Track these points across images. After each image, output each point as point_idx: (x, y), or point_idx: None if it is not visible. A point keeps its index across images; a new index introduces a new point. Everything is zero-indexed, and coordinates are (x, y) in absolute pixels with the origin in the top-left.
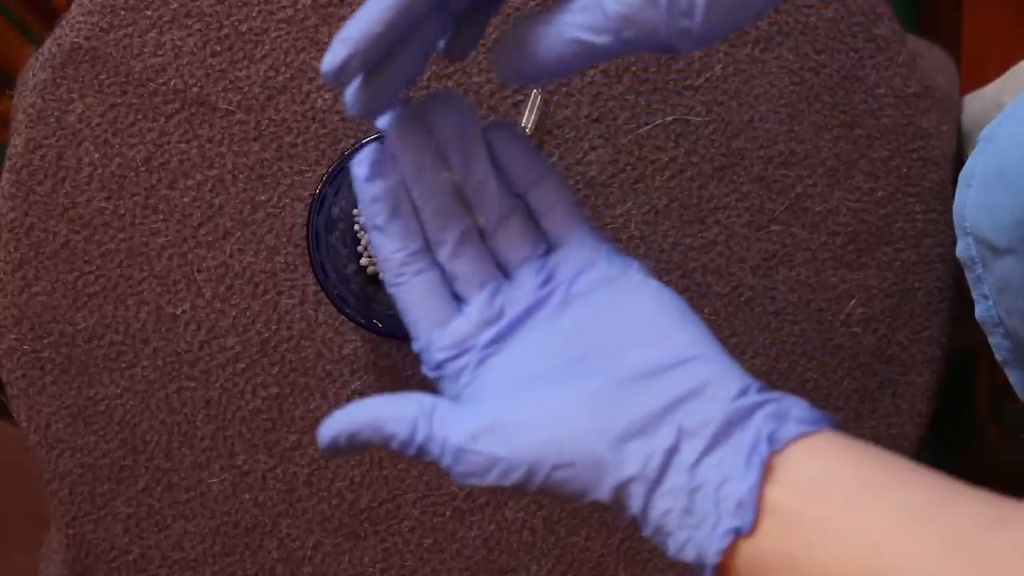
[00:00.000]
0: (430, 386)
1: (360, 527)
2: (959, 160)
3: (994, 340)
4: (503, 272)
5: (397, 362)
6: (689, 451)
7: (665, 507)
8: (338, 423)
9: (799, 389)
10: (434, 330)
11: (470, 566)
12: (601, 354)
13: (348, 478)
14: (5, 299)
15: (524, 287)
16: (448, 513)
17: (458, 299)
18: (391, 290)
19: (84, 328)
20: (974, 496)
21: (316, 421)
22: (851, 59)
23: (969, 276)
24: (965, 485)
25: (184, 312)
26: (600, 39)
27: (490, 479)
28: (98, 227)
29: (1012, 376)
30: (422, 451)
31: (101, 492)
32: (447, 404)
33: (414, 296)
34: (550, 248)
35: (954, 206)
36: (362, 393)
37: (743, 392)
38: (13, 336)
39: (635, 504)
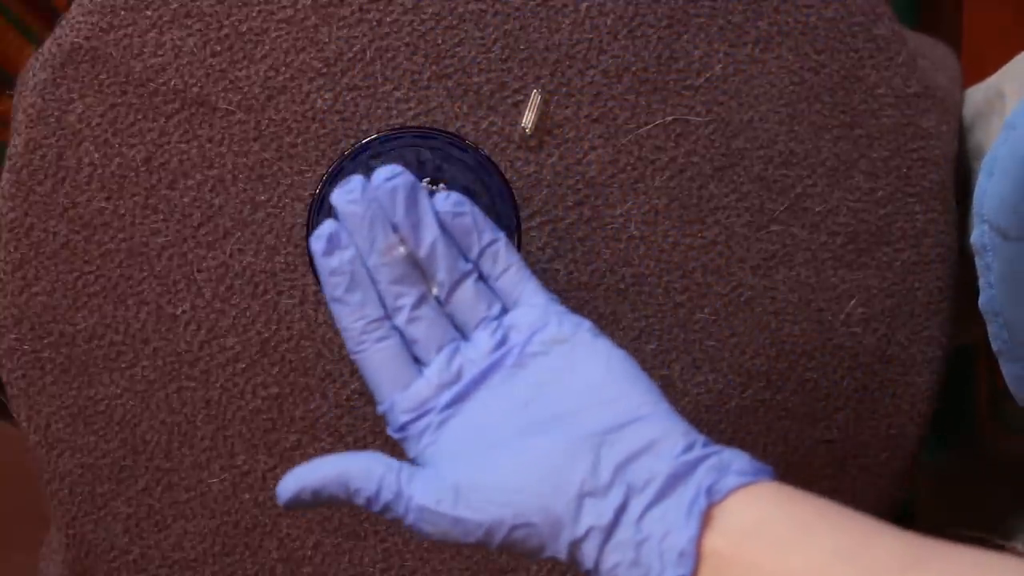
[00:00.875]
0: None
1: (360, 527)
2: (960, 159)
3: (992, 329)
4: (461, 333)
5: None
6: (636, 507)
7: (615, 560)
8: (301, 479)
9: (799, 389)
10: (396, 393)
11: (470, 566)
12: (554, 416)
13: None
14: (5, 299)
15: (480, 348)
16: None
17: (418, 362)
18: (353, 357)
19: (84, 328)
20: (897, 537)
21: (316, 421)
22: (851, 59)
23: (979, 264)
24: (893, 528)
25: (184, 312)
26: None
27: (452, 538)
28: (98, 227)
29: (1005, 368)
30: (387, 508)
31: (101, 492)
32: (410, 466)
33: (375, 362)
34: (504, 308)
35: (974, 194)
36: (362, 393)
37: (688, 448)
38: (13, 336)
39: (588, 559)
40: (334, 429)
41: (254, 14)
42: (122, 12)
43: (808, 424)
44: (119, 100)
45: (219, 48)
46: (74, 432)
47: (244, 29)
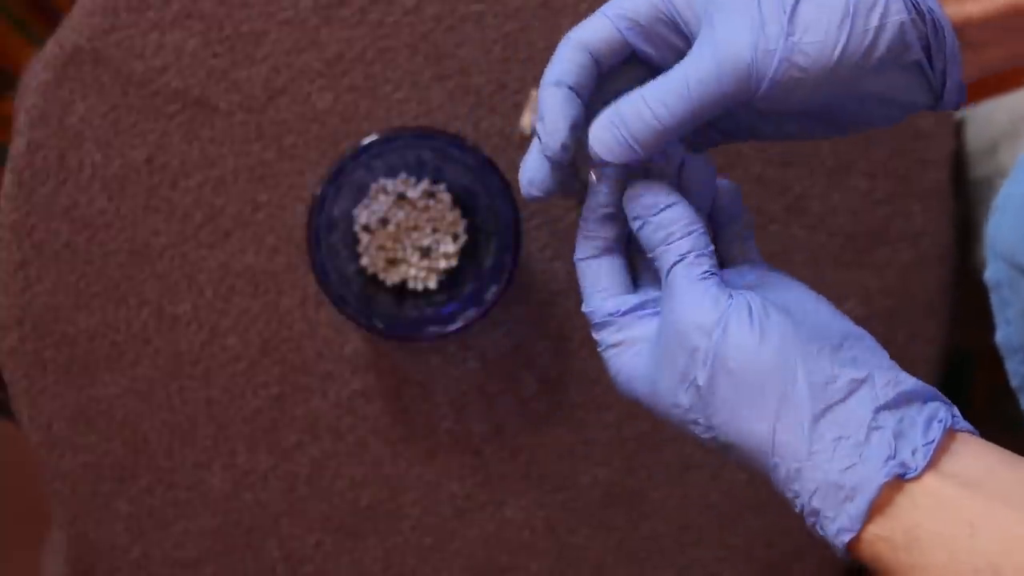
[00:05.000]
0: (428, 383)
1: (360, 527)
2: (958, 160)
3: (1011, 366)
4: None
5: (397, 362)
6: (877, 395)
7: (837, 434)
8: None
9: None
10: None
11: (470, 566)
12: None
13: (348, 478)
14: (7, 299)
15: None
16: (448, 513)
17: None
18: None
19: (86, 328)
20: None
21: (316, 421)
22: None
23: (994, 299)
24: None
25: (185, 312)
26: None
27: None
28: (100, 228)
29: None
30: None
31: (103, 491)
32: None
33: None
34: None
35: (988, 229)
36: (362, 393)
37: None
38: (15, 336)
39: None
40: (334, 429)
41: (255, 15)
42: (124, 14)
43: None
44: (121, 101)
45: (220, 49)
46: (76, 431)
47: (245, 30)
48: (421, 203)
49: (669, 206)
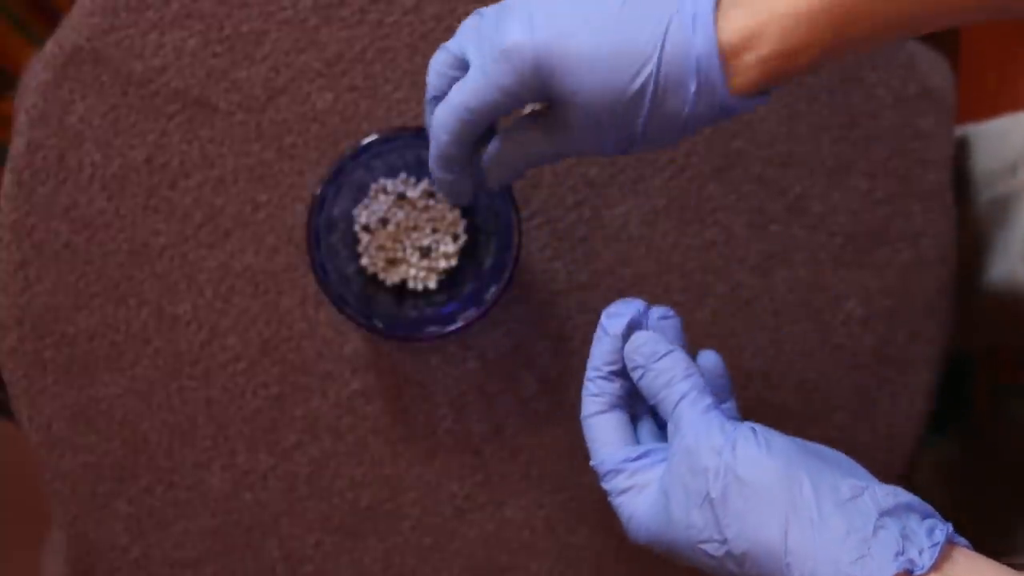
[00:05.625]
0: (428, 383)
1: (360, 527)
2: (959, 160)
3: None
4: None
5: (397, 362)
6: (880, 502)
7: (845, 529)
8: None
9: (799, 389)
10: None
11: (470, 566)
12: None
13: (348, 478)
14: (7, 299)
15: None
16: (448, 513)
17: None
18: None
19: (85, 328)
20: None
21: (316, 421)
22: (850, 60)
23: None
24: None
25: (185, 312)
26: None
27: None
28: (99, 227)
29: None
30: None
31: (102, 491)
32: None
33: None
34: None
35: None
36: (362, 393)
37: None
38: (15, 336)
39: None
40: (334, 429)
41: (255, 15)
42: (123, 13)
43: (807, 424)
44: (120, 101)
45: (220, 49)
46: (75, 432)
47: (245, 30)
48: (421, 203)
49: (668, 353)
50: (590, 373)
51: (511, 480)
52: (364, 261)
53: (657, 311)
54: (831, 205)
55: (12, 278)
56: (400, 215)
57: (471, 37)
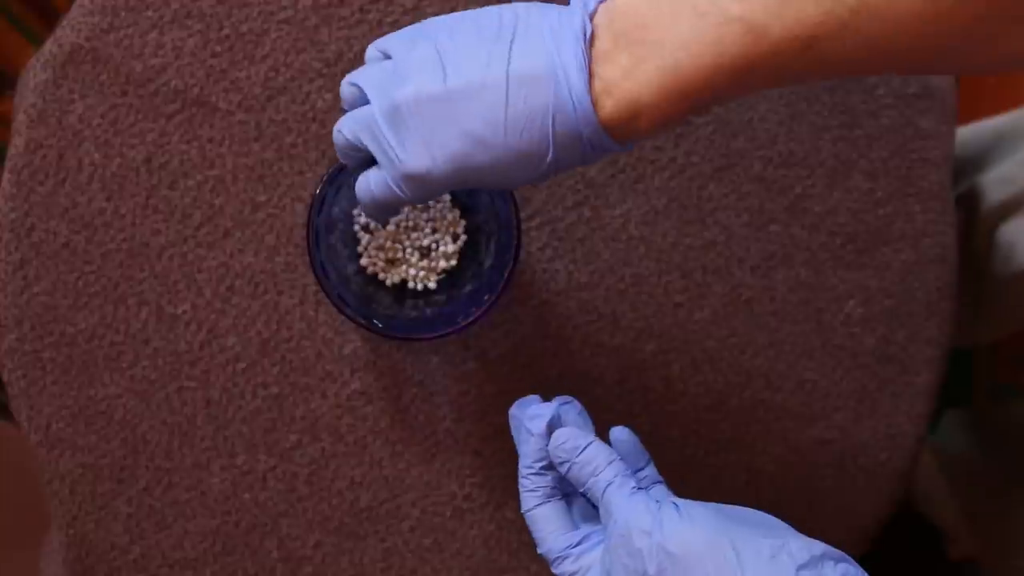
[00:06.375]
0: (428, 383)
1: (360, 527)
2: (959, 161)
3: None
4: None
5: (397, 362)
6: (795, 557)
7: None
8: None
9: (799, 389)
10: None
11: (470, 566)
12: None
13: (348, 478)
14: (6, 299)
15: None
16: (448, 513)
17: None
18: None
19: (85, 328)
20: None
21: (316, 421)
22: None
23: None
24: None
25: (184, 312)
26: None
27: None
28: (99, 227)
29: None
30: None
31: (102, 492)
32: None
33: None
34: None
35: None
36: (362, 393)
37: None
38: (14, 336)
39: None
40: (334, 429)
41: (254, 15)
42: (123, 13)
43: (807, 424)
44: (120, 100)
45: (220, 49)
46: (75, 432)
47: (245, 30)
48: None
49: (588, 445)
50: (523, 471)
51: (511, 480)
52: (364, 261)
53: (559, 399)
54: (831, 205)
55: (11, 278)
56: (400, 215)
57: (372, 91)
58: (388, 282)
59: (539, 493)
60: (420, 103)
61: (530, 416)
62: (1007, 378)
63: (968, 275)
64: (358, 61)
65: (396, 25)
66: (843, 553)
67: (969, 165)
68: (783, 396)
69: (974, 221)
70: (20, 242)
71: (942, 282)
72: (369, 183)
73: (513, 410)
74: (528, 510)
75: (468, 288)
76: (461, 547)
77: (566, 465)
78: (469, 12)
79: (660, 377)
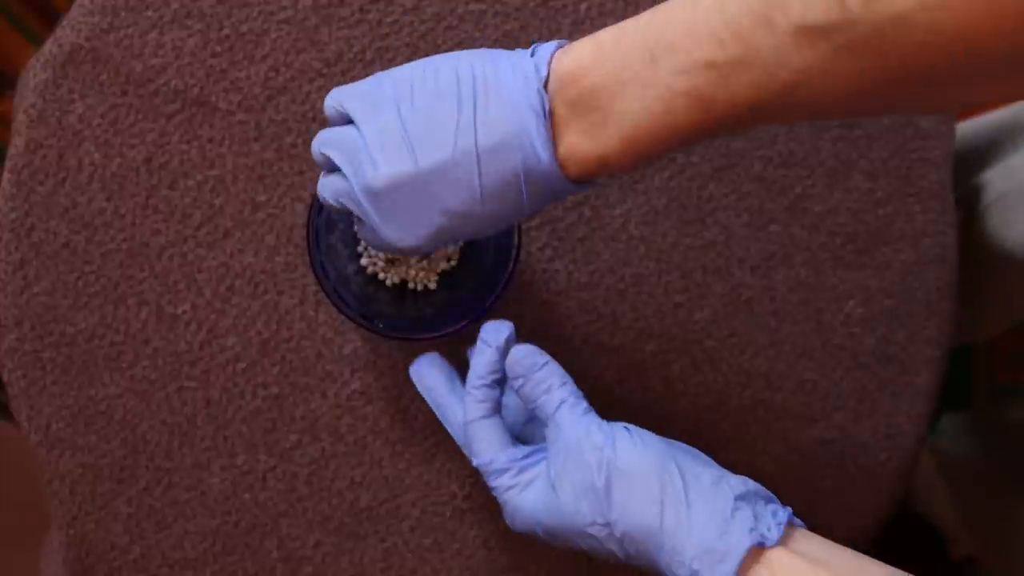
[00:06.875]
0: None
1: (360, 527)
2: (959, 155)
3: None
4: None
5: (397, 362)
6: (734, 487)
7: (709, 512)
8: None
9: (799, 389)
10: None
11: (470, 566)
12: None
13: (348, 478)
14: (6, 299)
15: None
16: (448, 513)
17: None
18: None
19: (85, 328)
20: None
21: (316, 421)
22: None
23: None
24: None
25: (184, 312)
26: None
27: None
28: (99, 227)
29: None
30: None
31: (102, 492)
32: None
33: None
34: None
35: None
36: (362, 393)
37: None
38: (14, 336)
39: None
40: (334, 429)
41: (254, 15)
42: (123, 13)
43: (808, 424)
44: (120, 100)
45: (220, 49)
46: (75, 432)
47: (245, 30)
48: None
49: (545, 364)
50: (475, 381)
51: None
52: (364, 261)
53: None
54: (831, 205)
55: (11, 278)
56: None
57: (346, 167)
58: (388, 282)
59: (486, 406)
60: (396, 186)
61: (489, 330)
62: (1007, 377)
63: (967, 269)
64: (358, 61)
65: (396, 25)
66: (774, 495)
67: (970, 160)
68: (783, 396)
69: (974, 215)
70: (20, 242)
71: (942, 282)
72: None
73: (415, 366)
74: (472, 420)
75: (468, 288)
76: (461, 547)
77: (520, 380)
78: (427, 69)
79: (660, 377)
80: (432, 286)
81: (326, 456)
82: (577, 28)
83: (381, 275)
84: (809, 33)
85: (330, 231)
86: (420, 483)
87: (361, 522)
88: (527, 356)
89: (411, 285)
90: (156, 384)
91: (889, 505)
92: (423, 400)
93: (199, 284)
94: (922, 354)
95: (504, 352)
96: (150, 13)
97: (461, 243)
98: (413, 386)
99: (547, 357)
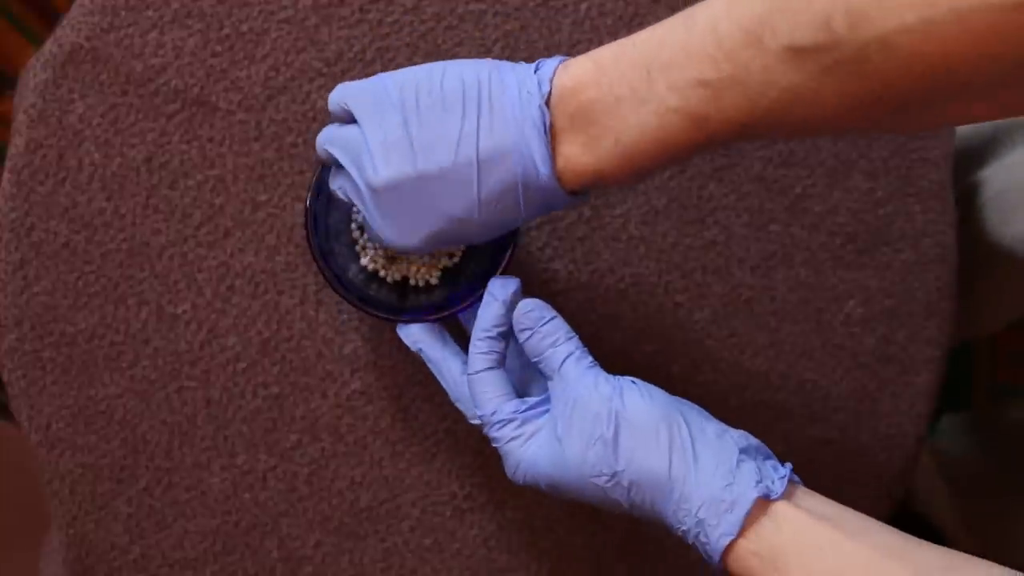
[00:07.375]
0: (428, 383)
1: (360, 527)
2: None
3: None
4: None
5: (398, 362)
6: (737, 441)
7: (716, 463)
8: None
9: (799, 389)
10: None
11: (470, 566)
12: None
13: (348, 478)
14: (6, 299)
15: None
16: (448, 513)
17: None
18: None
19: (85, 328)
20: (930, 545)
21: (316, 421)
22: None
23: None
24: (919, 539)
25: (185, 312)
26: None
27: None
28: (99, 227)
29: None
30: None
31: (102, 492)
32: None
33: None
34: None
35: None
36: (363, 393)
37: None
38: (14, 336)
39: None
40: (334, 429)
41: (255, 14)
42: (123, 12)
43: (808, 424)
44: (120, 100)
45: (220, 48)
46: (75, 432)
47: (245, 29)
48: None
49: (552, 318)
50: (480, 333)
51: (511, 480)
52: (364, 260)
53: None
54: (831, 205)
55: (11, 278)
56: None
57: (351, 167)
58: (389, 279)
59: (491, 357)
60: (396, 189)
61: (497, 284)
62: (1006, 376)
63: (964, 267)
64: (358, 61)
65: (396, 25)
66: (771, 452)
67: (968, 157)
68: (783, 396)
69: (971, 212)
70: (20, 242)
71: (942, 282)
72: (340, 189)
73: (403, 326)
74: (476, 372)
75: (469, 286)
76: (461, 547)
77: (527, 332)
78: (433, 75)
79: (660, 377)
80: (434, 282)
81: (326, 456)
82: (577, 28)
83: (382, 272)
84: (797, 54)
85: (330, 230)
86: (420, 483)
87: (361, 522)
88: (535, 309)
89: (412, 282)
90: (156, 384)
91: (889, 505)
92: (423, 400)
93: (199, 284)
94: (922, 354)
95: (510, 306)
96: (150, 13)
97: (463, 246)
98: (413, 386)
99: (554, 312)
